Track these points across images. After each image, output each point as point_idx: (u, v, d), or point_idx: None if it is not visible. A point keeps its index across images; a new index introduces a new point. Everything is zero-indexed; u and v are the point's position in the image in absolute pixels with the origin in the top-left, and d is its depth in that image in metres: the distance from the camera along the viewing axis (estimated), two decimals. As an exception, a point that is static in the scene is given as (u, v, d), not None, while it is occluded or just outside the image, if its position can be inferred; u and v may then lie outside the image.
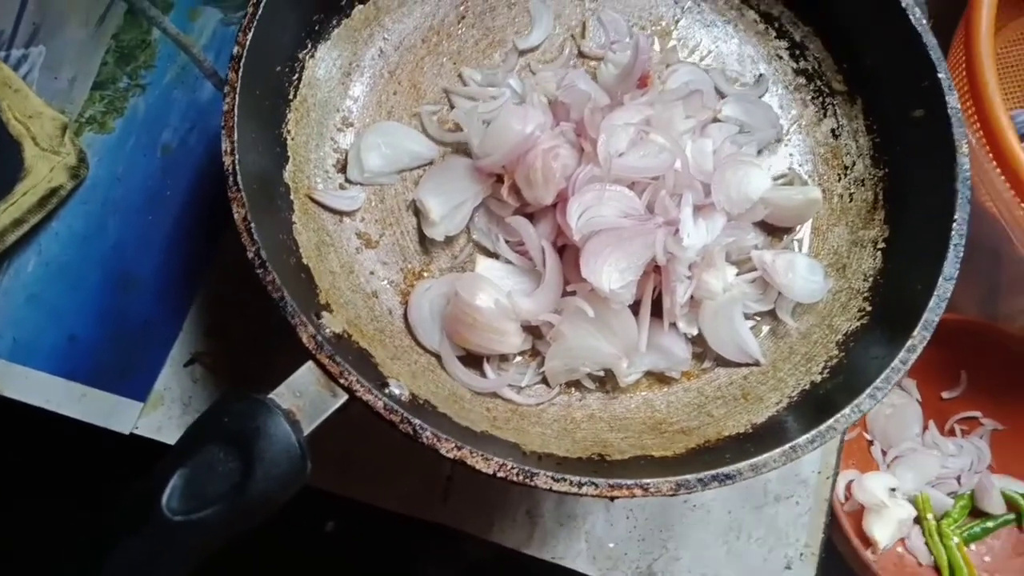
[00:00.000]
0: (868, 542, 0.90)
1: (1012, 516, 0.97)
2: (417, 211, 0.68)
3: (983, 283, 1.04)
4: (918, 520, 0.95)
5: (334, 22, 0.70)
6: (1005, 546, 0.97)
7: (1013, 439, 1.00)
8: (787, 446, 0.54)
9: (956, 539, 0.95)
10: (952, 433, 1.02)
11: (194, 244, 0.74)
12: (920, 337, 0.57)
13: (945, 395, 1.03)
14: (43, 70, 0.78)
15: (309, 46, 0.68)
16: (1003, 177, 0.84)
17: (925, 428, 1.02)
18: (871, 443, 1.00)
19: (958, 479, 0.99)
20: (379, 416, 0.51)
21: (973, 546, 0.97)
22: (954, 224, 0.61)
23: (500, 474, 0.51)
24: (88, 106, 0.78)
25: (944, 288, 0.59)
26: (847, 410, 0.55)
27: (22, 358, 0.70)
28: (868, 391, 0.56)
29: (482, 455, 0.51)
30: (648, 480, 0.51)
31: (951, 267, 0.59)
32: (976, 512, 0.98)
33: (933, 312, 0.58)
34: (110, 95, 0.79)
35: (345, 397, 0.52)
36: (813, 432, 0.54)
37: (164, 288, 0.72)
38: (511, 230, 0.66)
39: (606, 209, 0.64)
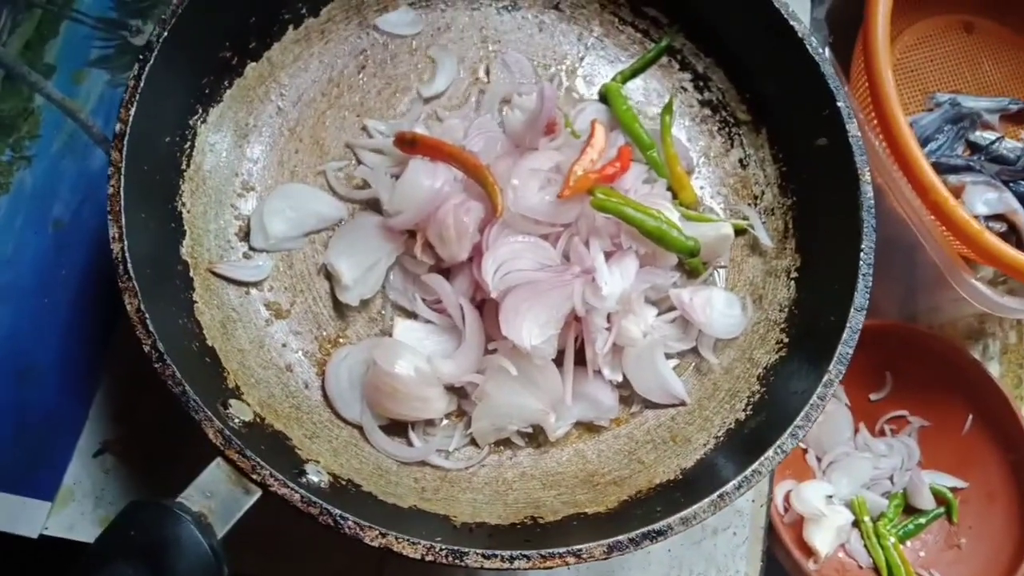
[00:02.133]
0: (810, 552, 0.91)
1: (942, 510, 1.00)
2: (329, 275, 0.66)
3: (902, 282, 1.07)
4: (856, 524, 0.97)
5: (225, 83, 0.67)
6: (937, 540, 1.01)
7: (938, 434, 1.03)
8: (715, 495, 0.54)
9: (892, 539, 0.97)
10: (882, 434, 1.05)
11: (95, 323, 0.70)
12: (836, 372, 0.58)
13: (873, 397, 1.06)
14: (-87, 150, 0.72)
15: (200, 111, 0.65)
16: (909, 184, 0.87)
17: (856, 431, 1.04)
18: (806, 451, 1.02)
19: (891, 479, 1.02)
20: (297, 510, 0.49)
21: (908, 543, 1.00)
22: (862, 253, 0.62)
23: (428, 558, 0.49)
24: (-32, 184, 0.73)
25: (856, 320, 0.59)
26: (770, 452, 0.55)
27: (-90, 464, 0.65)
28: (789, 430, 0.56)
29: (408, 540, 0.49)
30: (580, 546, 0.51)
31: (861, 297, 0.60)
32: (909, 509, 1.01)
33: (847, 345, 0.59)
34: (-8, 170, 0.74)
35: (259, 492, 0.50)
36: (739, 478, 0.54)
37: (66, 374, 0.68)
38: (428, 288, 0.65)
39: (522, 262, 0.63)
